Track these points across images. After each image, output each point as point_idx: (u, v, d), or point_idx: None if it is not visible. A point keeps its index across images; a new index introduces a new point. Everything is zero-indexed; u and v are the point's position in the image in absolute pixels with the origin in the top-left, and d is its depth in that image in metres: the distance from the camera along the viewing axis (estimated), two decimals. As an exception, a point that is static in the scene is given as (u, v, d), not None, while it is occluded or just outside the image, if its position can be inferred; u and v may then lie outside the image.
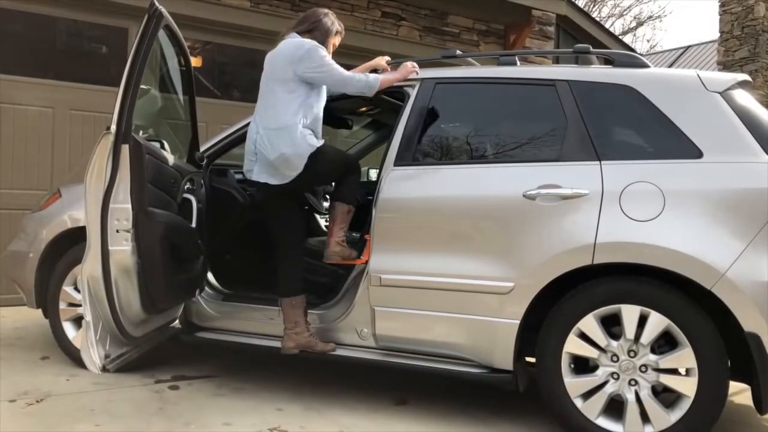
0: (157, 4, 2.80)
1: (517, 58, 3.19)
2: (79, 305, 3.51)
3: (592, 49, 3.10)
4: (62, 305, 3.59)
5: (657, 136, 2.76)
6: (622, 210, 2.66)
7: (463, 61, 3.44)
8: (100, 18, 5.48)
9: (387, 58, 3.37)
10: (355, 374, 3.45)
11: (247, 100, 6.15)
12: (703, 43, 18.12)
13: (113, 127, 2.60)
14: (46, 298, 3.65)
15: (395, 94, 3.30)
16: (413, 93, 3.20)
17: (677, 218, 2.59)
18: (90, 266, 2.58)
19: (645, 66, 2.97)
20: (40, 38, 5.33)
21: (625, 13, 26.22)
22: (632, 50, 9.62)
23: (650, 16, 26.74)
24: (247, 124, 3.46)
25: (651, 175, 2.67)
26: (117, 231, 2.59)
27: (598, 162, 2.77)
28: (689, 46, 18.70)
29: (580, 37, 8.61)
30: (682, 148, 2.69)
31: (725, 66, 13.36)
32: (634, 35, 24.40)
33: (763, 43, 12.77)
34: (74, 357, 3.52)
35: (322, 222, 4.24)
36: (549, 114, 2.97)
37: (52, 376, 3.41)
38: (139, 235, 2.65)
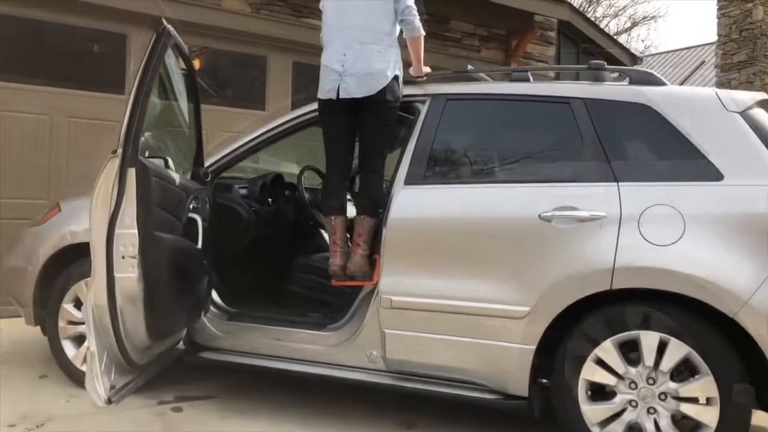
0: (165, 22, 2.72)
1: (530, 74, 3.12)
2: (79, 323, 3.44)
3: (607, 66, 3.03)
4: (62, 323, 3.50)
5: (675, 157, 2.70)
6: (641, 233, 2.60)
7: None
8: (99, 23, 5.37)
9: None
10: (361, 396, 3.37)
11: (248, 106, 6.10)
12: (700, 45, 18.12)
13: (119, 150, 2.52)
14: (45, 315, 3.56)
15: (403, 107, 3.23)
16: (424, 109, 3.13)
17: (698, 243, 2.53)
18: (95, 294, 2.50)
19: (661, 84, 2.90)
20: (36, 44, 5.22)
21: (620, 13, 26.22)
22: (634, 56, 9.58)
23: (645, 17, 26.79)
24: (254, 139, 3.39)
25: (670, 197, 2.60)
26: (123, 257, 2.51)
27: (615, 183, 2.70)
28: (687, 48, 18.69)
29: (580, 41, 8.57)
30: (702, 169, 2.63)
31: (723, 69, 13.34)
32: (629, 35, 24.40)
33: (762, 47, 12.75)
34: (74, 376, 3.44)
35: (326, 236, 4.15)
36: (564, 132, 2.90)
37: (51, 397, 3.32)
38: (146, 262, 2.57)
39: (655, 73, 2.95)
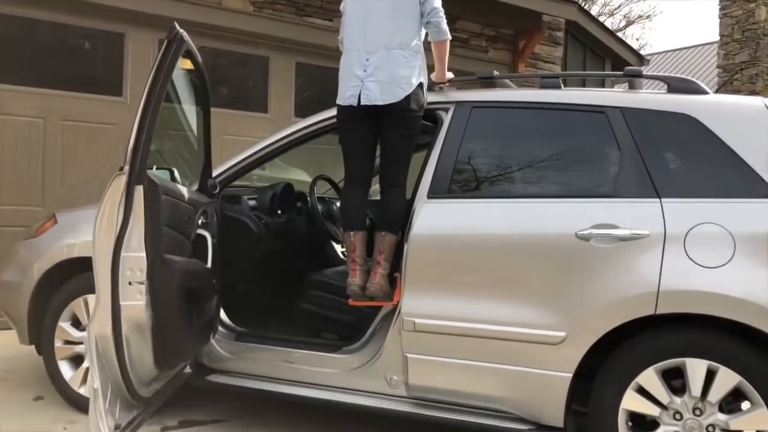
0: (178, 27, 2.50)
1: (560, 81, 2.93)
2: (77, 343, 3.24)
3: (644, 73, 2.85)
4: (58, 343, 3.29)
5: (721, 172, 2.52)
6: (687, 254, 2.42)
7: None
8: (95, 23, 5.15)
9: None
10: (379, 425, 3.17)
11: (249, 108, 5.89)
12: (701, 45, 18.01)
13: (126, 167, 2.30)
14: (41, 333, 3.34)
15: (425, 115, 3.03)
16: (447, 117, 2.94)
17: (750, 264, 2.35)
18: (99, 324, 2.28)
19: (703, 92, 2.72)
20: (30, 44, 4.99)
21: (615, 12, 26.12)
22: (641, 57, 9.42)
23: (640, 16, 26.69)
24: (266, 147, 3.20)
25: (718, 215, 2.42)
26: (130, 283, 2.30)
27: (657, 199, 2.52)
28: (686, 48, 18.59)
29: (588, 42, 8.41)
30: (751, 185, 2.45)
31: (725, 70, 13.23)
32: (624, 34, 24.29)
33: (764, 47, 12.65)
34: (71, 400, 3.24)
35: (339, 249, 3.97)
36: (600, 144, 2.72)
37: (48, 423, 3.12)
38: (155, 287, 2.36)
39: (697, 81, 2.77)
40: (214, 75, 5.80)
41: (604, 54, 8.55)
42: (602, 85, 8.36)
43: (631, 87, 2.99)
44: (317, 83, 6.24)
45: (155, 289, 2.36)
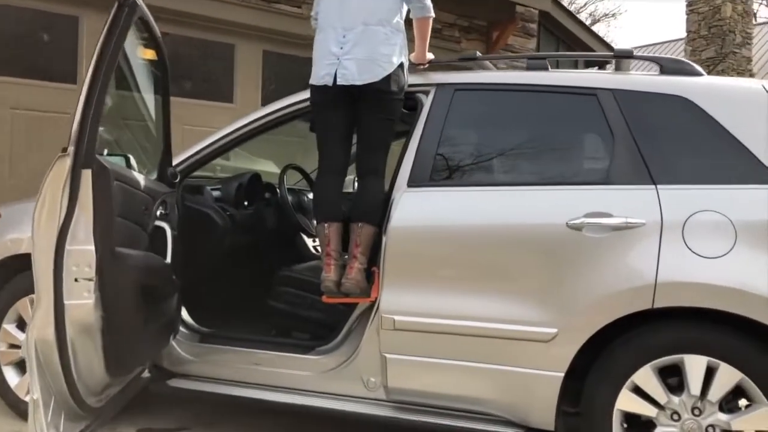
0: (128, -12, 2.23)
1: (547, 62, 2.75)
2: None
3: (635, 54, 2.70)
4: (2, 347, 3.01)
5: (720, 157, 2.37)
6: (685, 244, 2.26)
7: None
8: (47, 4, 4.82)
9: None
10: (351, 429, 2.96)
11: (214, 98, 5.62)
12: (668, 42, 18.19)
13: (71, 148, 2.03)
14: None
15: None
16: (428, 100, 2.74)
17: (752, 254, 2.21)
18: (39, 328, 2.01)
19: (698, 73, 2.58)
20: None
21: (581, 10, 26.35)
22: (612, 49, 9.37)
23: (605, 14, 27.00)
24: (232, 133, 2.97)
25: (718, 202, 2.28)
26: (75, 280, 2.03)
27: (653, 186, 2.36)
28: (654, 44, 18.77)
29: (561, 35, 8.32)
30: (752, 171, 2.31)
31: (692, 66, 13.30)
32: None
33: (730, 43, 12.77)
34: (17, 408, 2.96)
35: (310, 243, 3.75)
36: (591, 128, 2.57)
37: (-10, 435, 2.84)
38: (105, 284, 2.09)
39: (691, 62, 2.62)
40: (176, 63, 5.54)
41: (577, 47, 8.46)
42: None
43: (618, 70, 2.83)
44: (286, 73, 6.01)
45: (105, 286, 2.10)
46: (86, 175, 2.05)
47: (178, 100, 5.24)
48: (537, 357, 2.38)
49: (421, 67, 2.88)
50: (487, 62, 2.98)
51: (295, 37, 5.65)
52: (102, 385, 2.28)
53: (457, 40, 6.91)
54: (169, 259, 2.53)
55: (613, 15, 31.73)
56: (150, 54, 2.70)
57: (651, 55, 2.80)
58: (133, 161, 2.64)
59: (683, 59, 2.68)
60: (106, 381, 2.29)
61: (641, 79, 2.59)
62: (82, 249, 2.05)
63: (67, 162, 2.03)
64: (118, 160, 2.53)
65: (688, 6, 13.41)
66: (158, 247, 2.52)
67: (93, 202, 2.05)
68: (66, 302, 2.03)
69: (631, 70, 2.85)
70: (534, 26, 7.43)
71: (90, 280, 2.06)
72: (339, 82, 2.62)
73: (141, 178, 2.47)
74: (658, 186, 2.36)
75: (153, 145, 2.97)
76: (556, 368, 2.36)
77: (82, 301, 2.05)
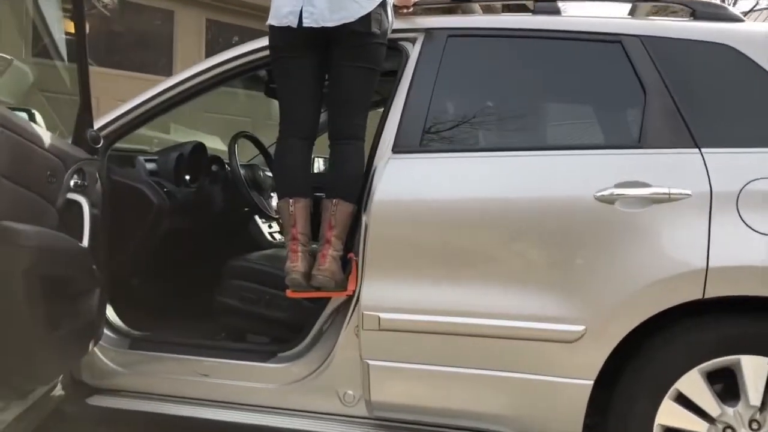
0: None
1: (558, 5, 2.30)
2: None
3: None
4: None
5: (774, 115, 1.98)
6: (741, 219, 1.86)
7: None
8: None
9: None
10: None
11: (151, 71, 5.02)
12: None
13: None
14: None
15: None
16: (415, 50, 2.25)
17: (824, 231, 1.82)
18: None
19: (738, 19, 2.19)
20: None
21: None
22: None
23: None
24: (170, 89, 2.42)
25: (778, 168, 1.88)
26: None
27: (697, 149, 1.94)
28: None
29: None
30: (813, 129, 1.93)
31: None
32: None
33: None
34: None
35: (266, 228, 3.23)
36: (616, 81, 2.13)
37: None
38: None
39: (728, 6, 2.22)
40: (107, 30, 4.92)
41: None
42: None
43: (634, 12, 2.40)
44: (232, 46, 5.45)
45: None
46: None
47: (110, 72, 4.66)
48: (559, 361, 1.94)
49: (405, 10, 2.38)
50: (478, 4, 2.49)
51: (241, 5, 5.13)
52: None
53: None
54: (86, 243, 1.95)
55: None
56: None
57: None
58: (39, 118, 2.04)
59: (721, 4, 2.28)
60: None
61: (673, 24, 2.17)
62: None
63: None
64: (20, 114, 1.93)
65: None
66: (72, 227, 1.93)
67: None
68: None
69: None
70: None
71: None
72: (306, 23, 2.09)
73: (46, 135, 1.87)
74: (703, 150, 1.94)
75: (69, 106, 2.37)
76: (584, 375, 1.93)
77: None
